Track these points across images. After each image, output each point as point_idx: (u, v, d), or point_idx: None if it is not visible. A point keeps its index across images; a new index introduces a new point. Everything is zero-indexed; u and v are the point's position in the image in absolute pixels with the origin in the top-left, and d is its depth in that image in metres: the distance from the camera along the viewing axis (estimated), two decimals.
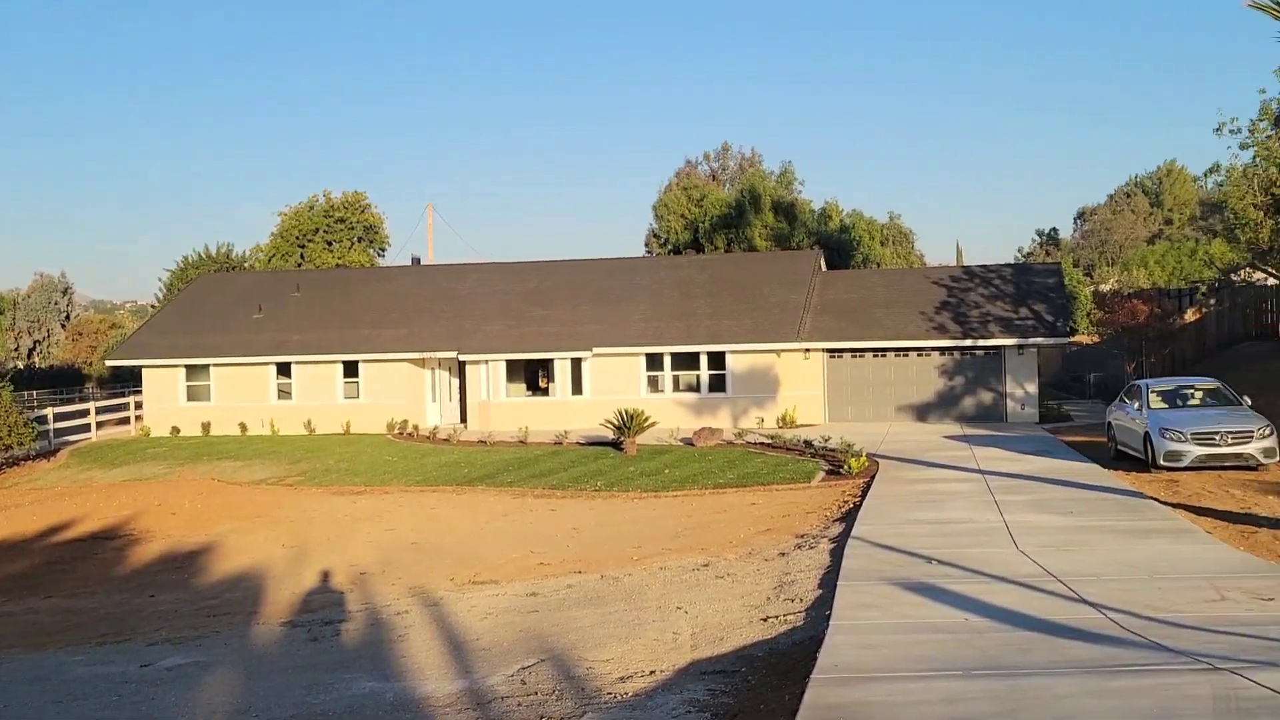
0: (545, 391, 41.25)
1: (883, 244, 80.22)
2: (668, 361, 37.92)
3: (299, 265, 61.20)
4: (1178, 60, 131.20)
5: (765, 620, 11.49)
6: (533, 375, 42.45)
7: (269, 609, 15.99)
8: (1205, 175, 28.00)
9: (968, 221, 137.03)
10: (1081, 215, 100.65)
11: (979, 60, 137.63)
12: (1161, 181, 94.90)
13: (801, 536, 17.09)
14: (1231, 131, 27.15)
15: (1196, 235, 72.23)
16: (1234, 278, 33.73)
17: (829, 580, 12.72)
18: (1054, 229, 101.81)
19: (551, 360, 38.78)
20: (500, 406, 38.49)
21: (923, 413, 36.60)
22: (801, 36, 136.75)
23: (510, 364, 39.59)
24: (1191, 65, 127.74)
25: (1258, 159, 27.02)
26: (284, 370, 40.82)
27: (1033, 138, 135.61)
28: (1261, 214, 27.11)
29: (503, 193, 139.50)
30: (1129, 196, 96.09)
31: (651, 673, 9.91)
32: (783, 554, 15.60)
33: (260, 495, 28.26)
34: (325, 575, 18.21)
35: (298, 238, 63.75)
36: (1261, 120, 27.06)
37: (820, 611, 11.21)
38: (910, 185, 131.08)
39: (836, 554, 14.35)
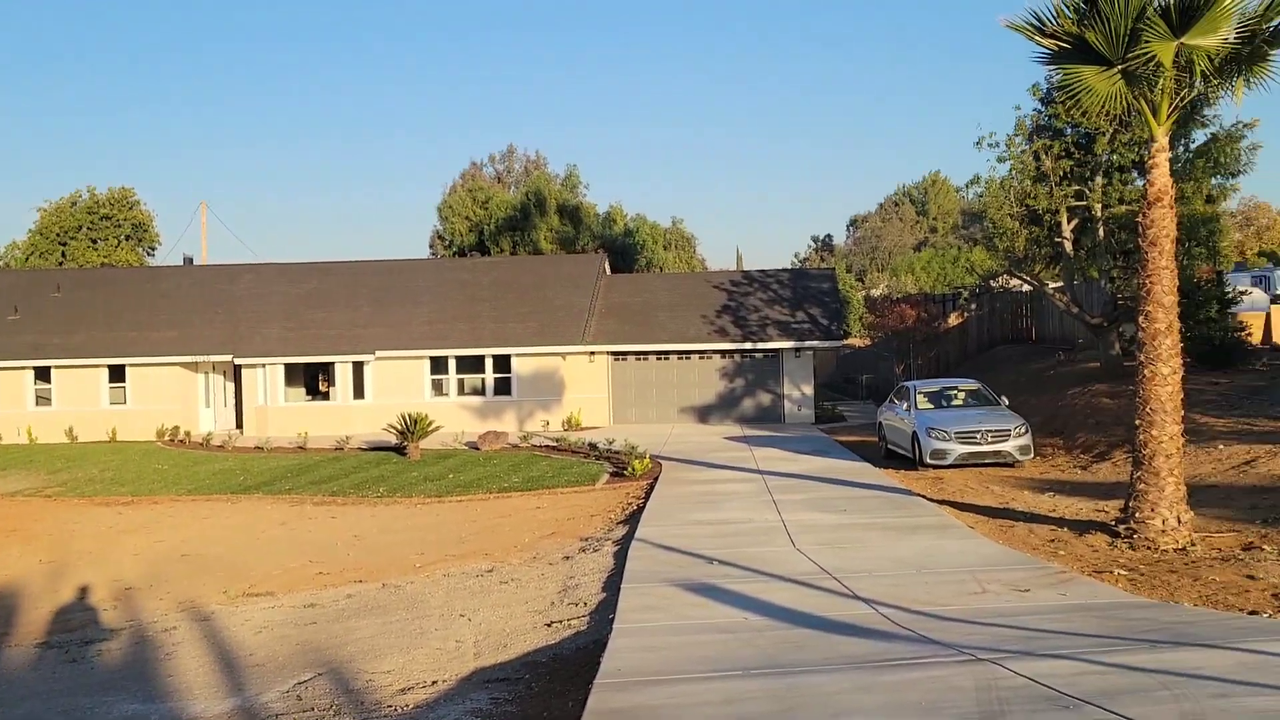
0: (326, 396, 40.22)
1: (666, 248, 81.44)
2: (452, 365, 37.51)
3: (60, 264, 57.88)
4: (944, 76, 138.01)
5: (549, 625, 11.45)
6: (313, 379, 41.32)
7: (22, 630, 14.98)
8: (966, 186, 29.43)
9: (748, 227, 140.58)
10: (854, 223, 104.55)
11: (757, 70, 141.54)
12: (927, 191, 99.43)
13: (586, 539, 17.14)
14: (990, 145, 28.71)
15: (959, 243, 76.02)
16: (993, 284, 35.66)
17: (613, 583, 12.78)
18: (829, 235, 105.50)
19: (332, 363, 37.83)
20: (279, 411, 37.28)
21: (705, 414, 37.31)
22: (585, 39, 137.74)
23: (289, 367, 38.42)
24: (957, 81, 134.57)
25: (1014, 172, 28.58)
26: (43, 375, 38.51)
27: (809, 147, 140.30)
28: (1017, 224, 28.71)
29: (282, 194, 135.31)
30: (897, 205, 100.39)
31: (434, 683, 9.73)
32: (567, 558, 15.60)
33: (14, 507, 26.51)
34: (85, 591, 17.20)
35: (59, 235, 60.23)
36: (1017, 135, 28.69)
37: (604, 615, 11.25)
38: (693, 191, 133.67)
39: (620, 556, 14.45)
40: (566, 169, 75.31)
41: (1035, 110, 29.49)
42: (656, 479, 23.13)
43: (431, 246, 72.80)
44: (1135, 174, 27.84)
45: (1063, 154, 28.24)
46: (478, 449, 31.01)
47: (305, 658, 11.28)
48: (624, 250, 72.78)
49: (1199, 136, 29.52)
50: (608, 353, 37.40)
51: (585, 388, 37.27)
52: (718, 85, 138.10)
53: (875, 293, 50.92)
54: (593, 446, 28.97)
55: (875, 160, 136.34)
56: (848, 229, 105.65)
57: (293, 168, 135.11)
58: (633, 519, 18.01)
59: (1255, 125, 29.42)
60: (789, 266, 72.09)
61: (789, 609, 10.65)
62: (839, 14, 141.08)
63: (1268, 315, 33.81)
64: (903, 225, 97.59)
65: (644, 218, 79.70)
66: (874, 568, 12.70)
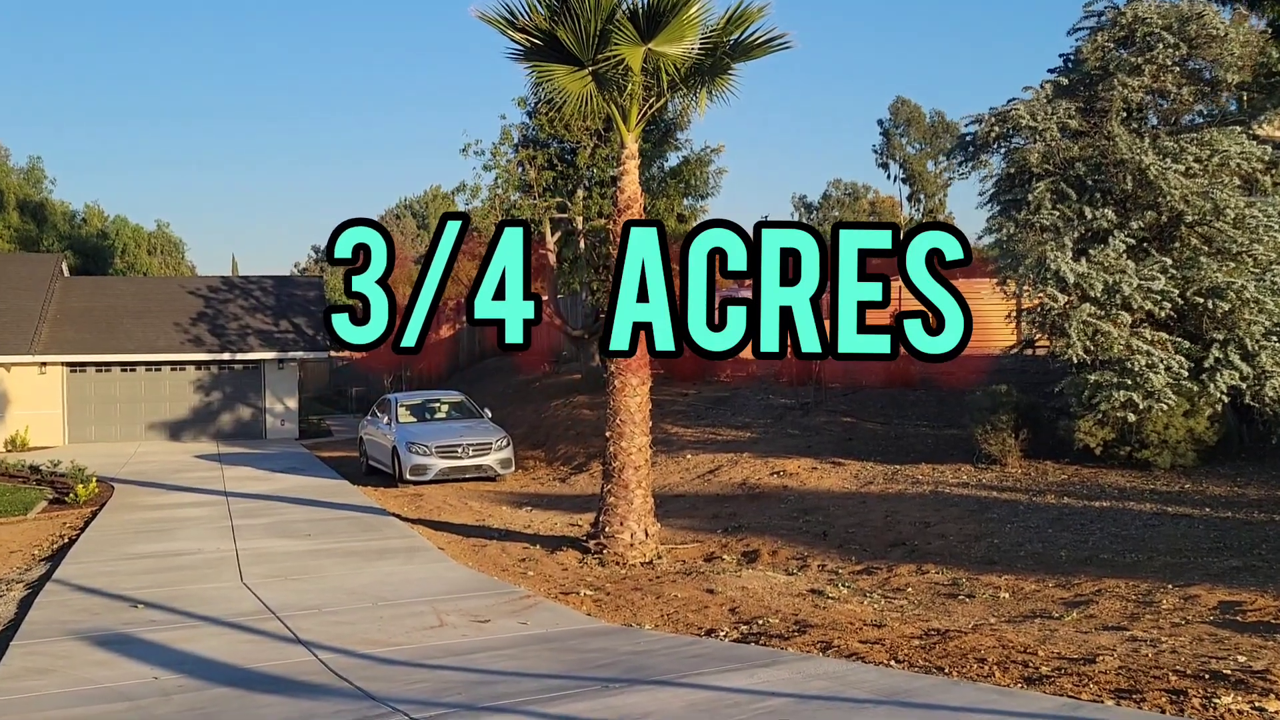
0: None
1: (150, 253, 75.87)
2: None
3: None
4: (442, 82, 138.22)
5: None
6: None
7: None
8: (453, 193, 28.87)
9: (244, 236, 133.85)
10: None
11: (250, 70, 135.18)
12: (428, 205, 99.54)
13: None
14: (476, 153, 28.31)
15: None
16: None
17: (4, 639, 10.53)
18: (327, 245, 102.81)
19: None
20: None
21: (177, 431, 34.17)
22: (62, 24, 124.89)
23: None
24: (454, 90, 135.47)
25: (499, 181, 28.35)
26: None
27: (306, 153, 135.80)
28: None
29: None
30: (399, 218, 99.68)
31: None
32: None
33: None
34: None
35: None
36: (503, 144, 28.48)
37: None
38: (185, 195, 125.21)
39: (26, 603, 12.10)
40: (30, 161, 67.86)
41: (522, 122, 29.53)
42: (103, 505, 20.40)
43: None
44: (614, 189, 28.50)
45: (546, 165, 28.38)
46: None
47: None
48: (97, 253, 66.66)
49: (672, 159, 30.84)
50: (62, 363, 33.27)
51: (34, 403, 32.90)
52: (211, 86, 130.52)
53: None
54: (34, 470, 25.37)
55: (380, 172, 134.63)
56: None
57: None
58: (60, 554, 15.47)
59: (721, 150, 31.10)
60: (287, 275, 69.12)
61: (213, 661, 9.05)
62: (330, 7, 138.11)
63: None
64: (404, 238, 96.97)
65: (125, 219, 73.68)
66: (326, 602, 11.34)
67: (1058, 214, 16.18)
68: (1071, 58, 17.65)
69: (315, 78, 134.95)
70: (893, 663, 8.20)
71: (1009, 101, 16.94)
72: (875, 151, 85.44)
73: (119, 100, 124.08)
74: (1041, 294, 16.01)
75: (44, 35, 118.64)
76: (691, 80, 14.04)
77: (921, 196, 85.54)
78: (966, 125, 17.43)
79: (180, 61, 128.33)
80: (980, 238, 19.22)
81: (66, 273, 38.73)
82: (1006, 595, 11.09)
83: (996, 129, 16.77)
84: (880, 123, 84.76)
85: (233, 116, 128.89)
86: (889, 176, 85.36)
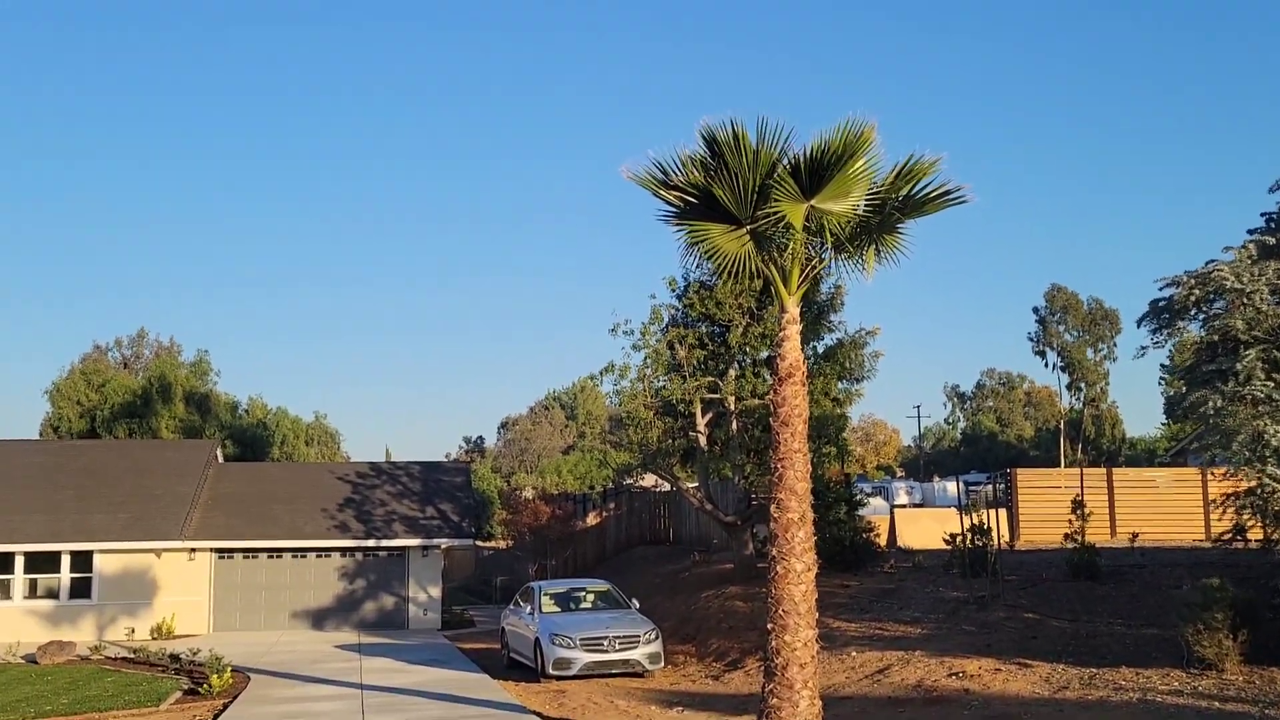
0: None
1: (308, 444, 77.49)
2: (19, 562, 32.09)
3: None
4: (591, 272, 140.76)
5: None
6: None
7: None
8: (601, 374, 28.13)
9: (398, 427, 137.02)
10: (505, 425, 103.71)
11: (405, 275, 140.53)
12: (576, 397, 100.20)
13: None
14: (625, 333, 27.70)
15: (605, 447, 76.09)
16: (629, 481, 34.51)
17: None
18: (480, 437, 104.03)
19: None
20: None
21: (320, 619, 33.51)
22: (228, 230, 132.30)
23: None
24: (602, 283, 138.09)
25: (648, 360, 27.64)
26: None
27: (461, 350, 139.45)
28: (651, 414, 27.63)
29: None
30: (547, 409, 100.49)
31: None
32: None
33: None
34: None
35: None
36: (653, 324, 27.85)
37: None
38: (341, 388, 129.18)
39: None
40: (197, 355, 70.51)
41: (670, 303, 28.97)
42: (236, 697, 19.57)
43: (42, 435, 65.43)
44: (767, 372, 27.57)
45: (696, 344, 27.61)
46: (36, 662, 26.16)
47: None
48: (255, 442, 68.09)
49: (826, 340, 29.85)
50: (211, 549, 33.16)
51: (182, 589, 32.71)
52: (361, 287, 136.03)
53: (524, 494, 49.07)
54: (174, 658, 24.83)
55: (527, 365, 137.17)
56: (499, 431, 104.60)
57: None
58: None
59: (877, 333, 30.01)
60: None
61: None
62: (462, 223, 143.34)
63: (891, 519, 34.34)
64: (552, 429, 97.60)
65: (285, 411, 75.56)
66: None
67: (1272, 384, 14.46)
68: (1275, 217, 16.17)
69: (464, 276, 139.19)
70: None
71: (1207, 263, 15.49)
72: (1031, 339, 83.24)
73: (283, 303, 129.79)
74: (1260, 474, 14.18)
75: (238, 258, 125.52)
76: (858, 239, 13.04)
77: (1082, 385, 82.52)
78: (1161, 289, 15.97)
79: (342, 278, 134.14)
80: (1175, 416, 17.48)
81: (221, 459, 39.14)
82: None
83: (1196, 292, 15.27)
84: (1035, 310, 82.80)
85: (392, 328, 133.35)
86: (1046, 365, 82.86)
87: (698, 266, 13.52)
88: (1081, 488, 28.37)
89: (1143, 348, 16.90)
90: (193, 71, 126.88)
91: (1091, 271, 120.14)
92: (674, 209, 13.01)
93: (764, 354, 27.78)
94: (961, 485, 31.62)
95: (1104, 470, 35.12)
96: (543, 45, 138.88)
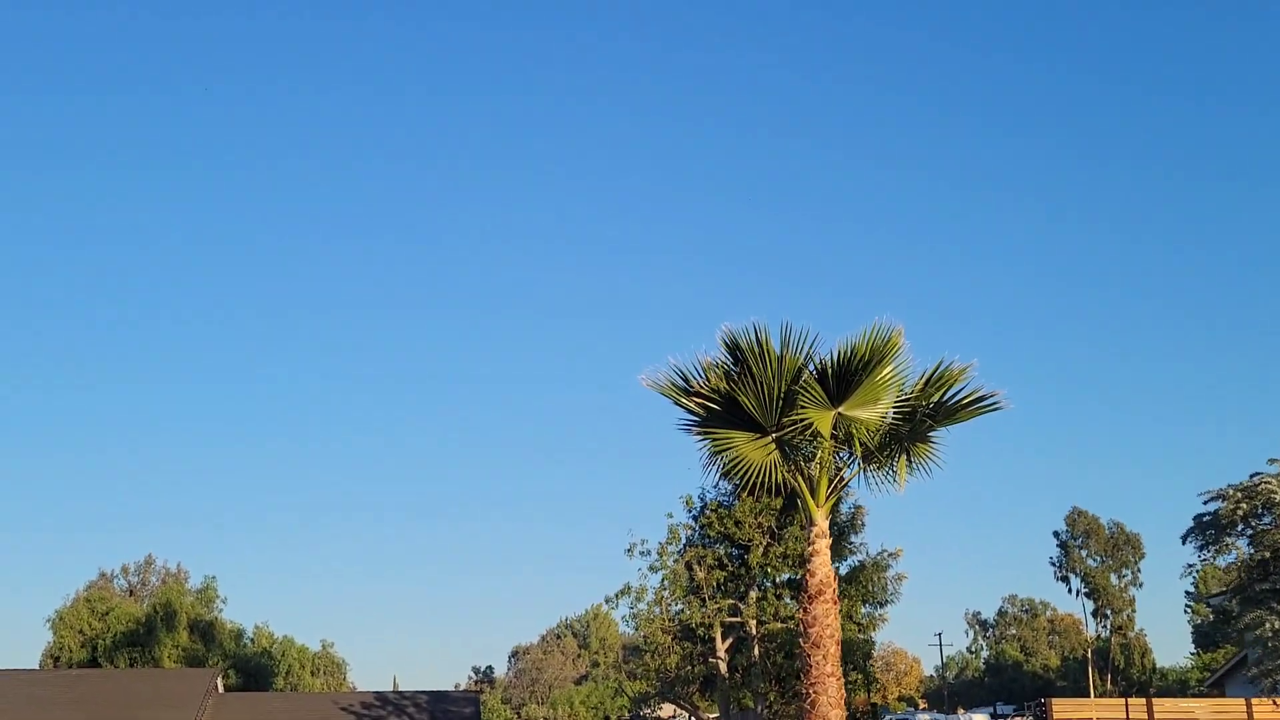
0: None
1: (314, 674, 75.61)
2: None
3: None
4: (601, 497, 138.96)
5: None
6: None
7: None
8: (616, 597, 26.97)
9: (406, 656, 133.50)
10: (515, 654, 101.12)
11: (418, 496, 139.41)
12: (589, 624, 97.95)
13: None
14: (642, 554, 26.79)
15: (620, 677, 73.99)
16: (646, 712, 32.94)
17: None
18: (490, 666, 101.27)
19: None
20: None
21: None
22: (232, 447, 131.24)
23: None
24: (621, 499, 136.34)
25: (665, 582, 26.64)
26: None
27: (470, 578, 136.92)
28: (669, 638, 26.47)
29: None
30: (559, 638, 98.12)
31: None
32: None
33: None
34: None
35: None
36: (670, 543, 26.91)
37: None
38: (349, 615, 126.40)
39: None
40: (204, 581, 69.42)
41: (687, 523, 28.14)
42: None
43: (41, 664, 63.75)
44: (789, 594, 26.57)
45: (716, 564, 26.63)
46: None
47: None
48: (259, 672, 66.31)
49: (849, 562, 28.99)
50: None
51: None
52: (372, 515, 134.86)
53: None
54: None
55: (537, 592, 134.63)
56: (509, 660, 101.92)
57: None
58: None
59: (899, 555, 29.20)
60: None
61: None
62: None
63: None
64: (564, 658, 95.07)
65: (291, 640, 73.81)
66: None
67: None
68: None
69: (477, 505, 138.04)
70: None
71: (1253, 476, 14.85)
72: (1053, 563, 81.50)
73: (282, 522, 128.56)
74: None
75: (250, 486, 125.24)
76: (887, 449, 12.50)
77: (1108, 612, 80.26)
78: (1206, 502, 15.30)
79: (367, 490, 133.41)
80: (1207, 645, 16.54)
81: (222, 689, 37.66)
82: None
83: (1243, 506, 14.59)
84: (1056, 534, 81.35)
85: (402, 556, 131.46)
86: (1070, 590, 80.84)
87: (721, 477, 13.05)
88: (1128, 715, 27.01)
89: (1189, 565, 16.09)
90: (197, 293, 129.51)
91: (1111, 495, 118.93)
92: (695, 418, 12.55)
93: (785, 576, 26.83)
94: (986, 718, 30.31)
95: (1143, 701, 33.57)
96: (548, 262, 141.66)
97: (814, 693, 11.73)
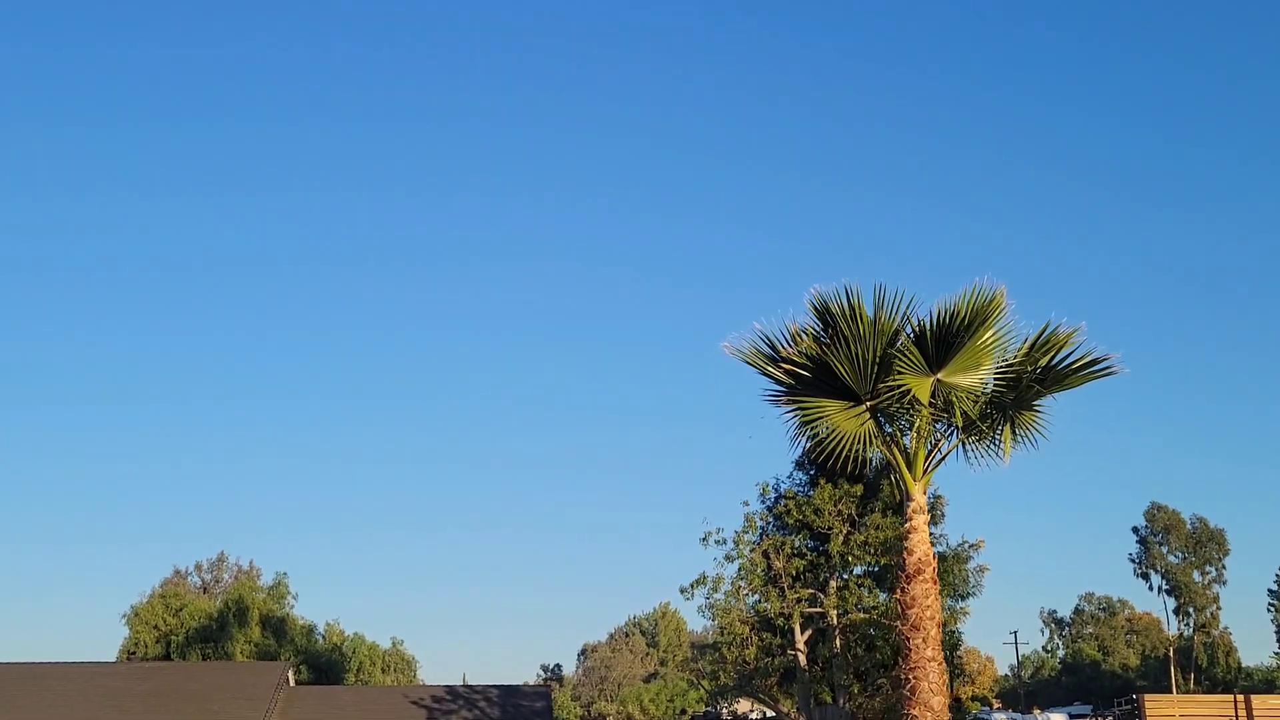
0: None
1: (384, 671, 75.72)
2: None
3: None
4: (667, 491, 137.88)
5: None
6: None
7: None
8: (691, 587, 26.14)
9: (476, 654, 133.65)
10: (584, 652, 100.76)
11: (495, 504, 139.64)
12: (658, 623, 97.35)
13: None
14: (717, 542, 26.04)
15: (688, 676, 73.34)
16: (723, 705, 32.18)
17: None
18: (558, 665, 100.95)
19: None
20: None
21: None
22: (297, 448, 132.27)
23: None
24: (683, 508, 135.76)
25: (743, 571, 25.87)
26: None
27: (540, 574, 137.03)
28: (747, 629, 25.72)
29: None
30: (628, 636, 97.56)
31: None
32: None
33: None
34: None
35: None
36: (747, 531, 26.11)
37: None
38: (419, 612, 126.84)
39: None
40: (276, 577, 69.72)
41: (763, 510, 27.30)
42: None
43: (118, 659, 64.53)
44: (871, 583, 25.70)
45: (794, 553, 25.77)
46: None
47: None
48: (330, 667, 66.45)
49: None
50: None
51: None
52: (446, 516, 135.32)
53: None
54: None
55: (605, 590, 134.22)
56: (578, 658, 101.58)
57: None
58: None
59: (981, 546, 28.23)
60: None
61: None
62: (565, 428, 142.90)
63: None
64: (633, 656, 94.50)
65: (362, 637, 73.91)
66: None
67: None
68: None
69: (540, 507, 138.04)
70: None
71: None
72: (1132, 560, 79.64)
73: (358, 523, 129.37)
74: None
75: (325, 486, 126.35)
76: (989, 418, 11.69)
77: (1190, 610, 78.17)
78: None
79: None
80: None
81: (293, 682, 37.55)
82: None
83: None
84: (1135, 530, 79.46)
85: (473, 558, 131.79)
86: (1151, 588, 78.94)
87: (809, 451, 12.36)
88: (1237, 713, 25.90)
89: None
90: (269, 323, 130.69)
91: (1191, 488, 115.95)
92: (782, 388, 11.82)
93: (865, 566, 25.96)
94: (1065, 718, 29.27)
95: (1241, 698, 32.16)
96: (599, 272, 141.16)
97: (914, 678, 10.99)
